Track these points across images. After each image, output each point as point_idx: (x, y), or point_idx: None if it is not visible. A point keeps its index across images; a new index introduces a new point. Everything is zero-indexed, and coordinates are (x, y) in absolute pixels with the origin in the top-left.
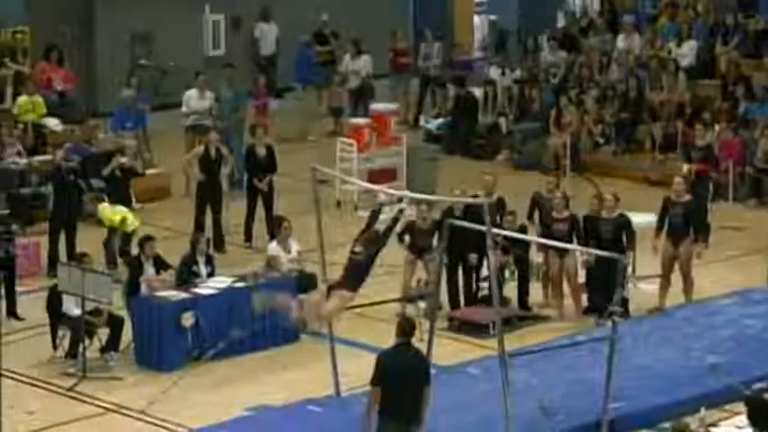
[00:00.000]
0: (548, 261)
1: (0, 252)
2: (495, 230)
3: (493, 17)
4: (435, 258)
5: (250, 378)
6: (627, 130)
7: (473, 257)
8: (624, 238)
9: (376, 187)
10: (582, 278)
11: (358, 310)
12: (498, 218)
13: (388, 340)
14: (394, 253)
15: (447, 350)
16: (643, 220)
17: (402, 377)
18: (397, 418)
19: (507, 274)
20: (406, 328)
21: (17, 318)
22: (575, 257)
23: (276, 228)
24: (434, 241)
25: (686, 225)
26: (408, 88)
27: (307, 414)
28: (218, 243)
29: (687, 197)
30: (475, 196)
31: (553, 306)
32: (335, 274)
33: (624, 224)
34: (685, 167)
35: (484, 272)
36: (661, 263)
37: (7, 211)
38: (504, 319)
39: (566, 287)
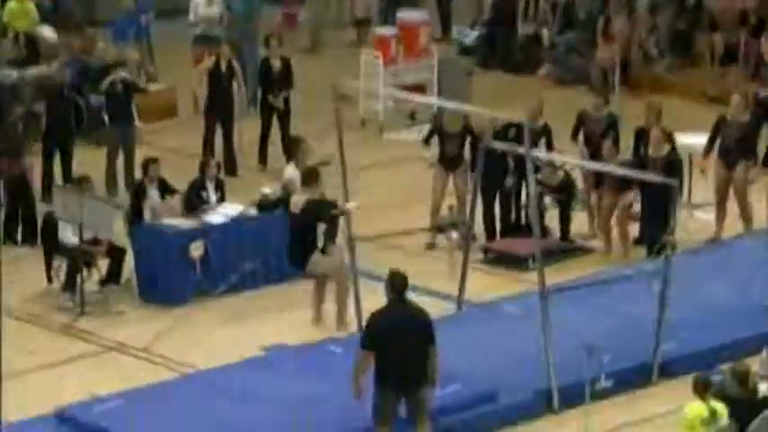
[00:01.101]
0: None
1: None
2: (536, 154)
3: None
4: (467, 186)
5: (263, 315)
6: (683, 41)
7: (509, 181)
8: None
9: (407, 96)
10: (636, 207)
11: (383, 239)
12: (546, 145)
13: (415, 273)
14: (424, 177)
15: (481, 285)
16: (699, 141)
17: (398, 338)
18: (395, 386)
19: (548, 201)
20: (396, 283)
21: (15, 243)
22: None
23: (293, 149)
24: (464, 152)
25: (741, 148)
26: None
27: (327, 355)
28: (229, 166)
29: (745, 117)
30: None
31: (600, 237)
32: (357, 200)
33: (672, 158)
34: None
35: (524, 199)
36: (715, 189)
37: (21, 126)
38: (544, 251)
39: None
